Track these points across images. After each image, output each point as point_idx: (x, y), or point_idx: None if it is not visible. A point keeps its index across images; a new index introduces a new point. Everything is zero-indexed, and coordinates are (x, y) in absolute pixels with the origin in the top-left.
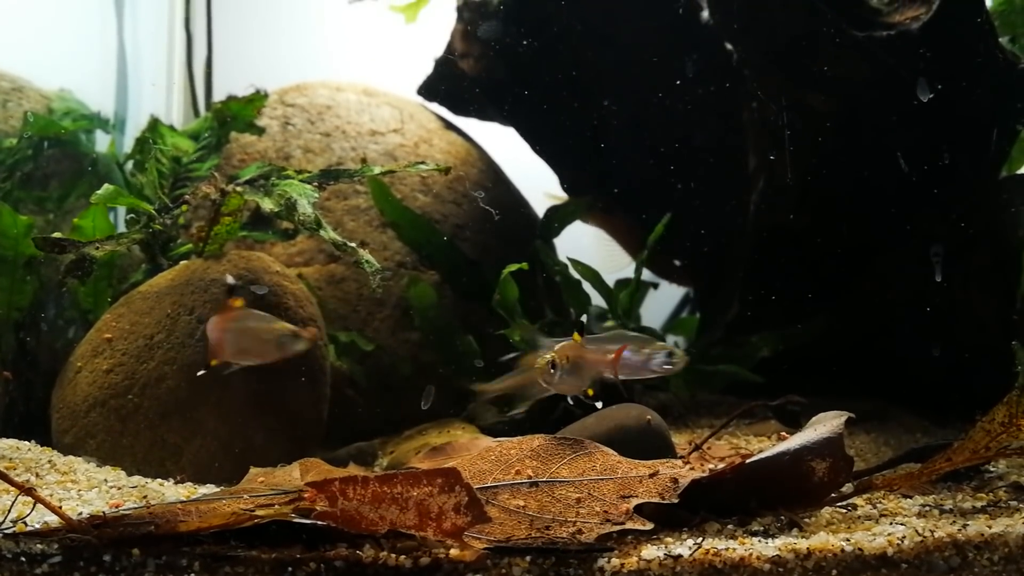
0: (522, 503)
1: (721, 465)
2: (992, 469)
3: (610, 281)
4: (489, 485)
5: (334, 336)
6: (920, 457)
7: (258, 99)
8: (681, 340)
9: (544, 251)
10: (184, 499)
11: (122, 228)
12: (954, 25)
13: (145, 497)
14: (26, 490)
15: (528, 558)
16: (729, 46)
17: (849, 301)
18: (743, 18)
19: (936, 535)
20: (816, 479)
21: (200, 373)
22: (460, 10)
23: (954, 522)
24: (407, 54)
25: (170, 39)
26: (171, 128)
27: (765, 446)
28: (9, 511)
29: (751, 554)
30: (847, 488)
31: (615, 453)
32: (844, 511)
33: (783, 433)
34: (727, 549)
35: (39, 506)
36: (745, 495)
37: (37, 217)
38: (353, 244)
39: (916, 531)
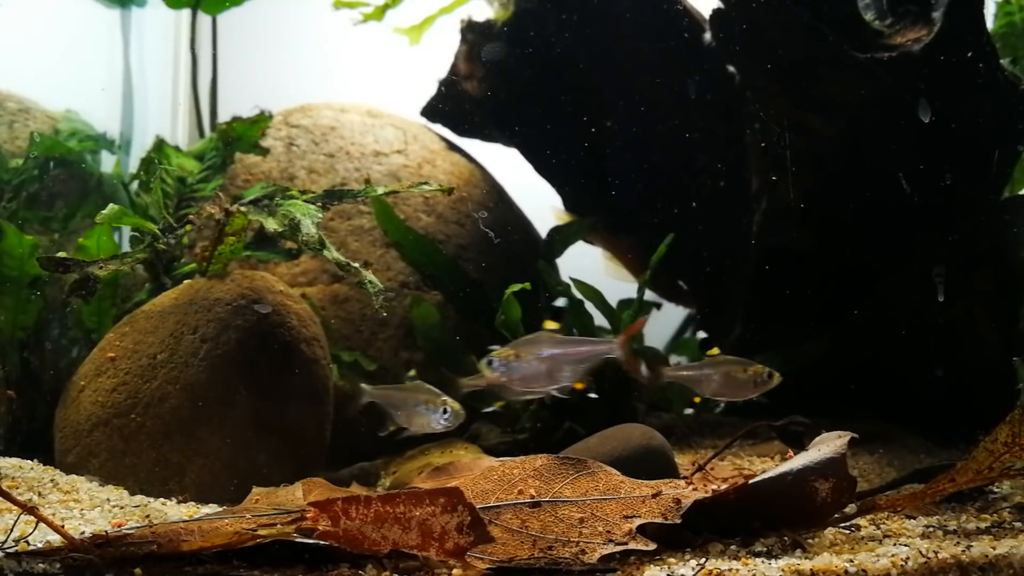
0: (525, 523)
1: (724, 485)
2: (996, 490)
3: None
4: (492, 505)
5: (337, 356)
6: (923, 478)
7: (263, 120)
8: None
9: (547, 271)
10: (187, 518)
11: (126, 248)
12: (955, 47)
13: (148, 516)
14: (28, 509)
15: None
16: (731, 68)
17: (852, 322)
18: (745, 40)
19: (940, 556)
20: (819, 500)
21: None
22: (464, 32)
23: (958, 543)
24: (411, 75)
25: (175, 60)
26: (176, 148)
27: (768, 466)
28: (11, 530)
29: (754, 575)
30: (850, 509)
31: (618, 473)
32: (847, 532)
33: (789, 453)
34: (730, 570)
35: (41, 525)
36: (748, 515)
37: (42, 237)
38: (356, 264)
39: (920, 552)
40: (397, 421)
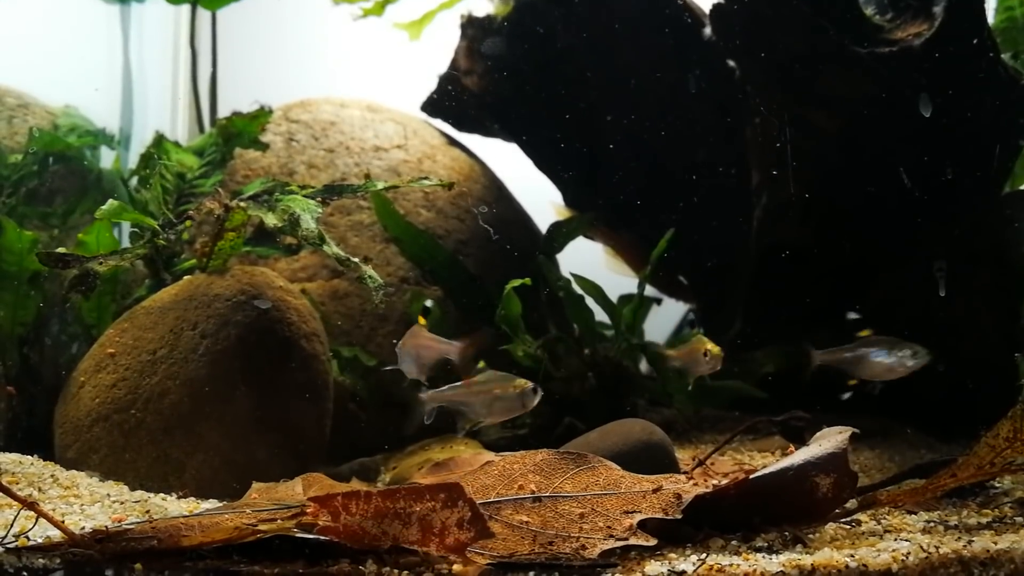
0: (525, 518)
1: (725, 481)
2: (997, 485)
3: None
4: (492, 500)
5: (337, 351)
6: (925, 473)
7: (262, 115)
8: None
9: (547, 266)
10: (187, 514)
11: (126, 243)
12: (956, 41)
13: (148, 512)
14: (29, 504)
15: (531, 574)
16: (732, 63)
17: (852, 317)
18: (745, 35)
19: (941, 551)
20: (820, 495)
21: None
22: (464, 27)
23: (959, 538)
24: (411, 71)
25: (175, 56)
26: (176, 144)
27: (769, 462)
28: (12, 525)
29: (755, 570)
30: (851, 504)
31: (619, 468)
32: (848, 527)
33: (790, 448)
34: (731, 565)
35: (42, 520)
36: (749, 511)
37: (42, 232)
38: (356, 259)
39: (921, 547)
40: (476, 416)
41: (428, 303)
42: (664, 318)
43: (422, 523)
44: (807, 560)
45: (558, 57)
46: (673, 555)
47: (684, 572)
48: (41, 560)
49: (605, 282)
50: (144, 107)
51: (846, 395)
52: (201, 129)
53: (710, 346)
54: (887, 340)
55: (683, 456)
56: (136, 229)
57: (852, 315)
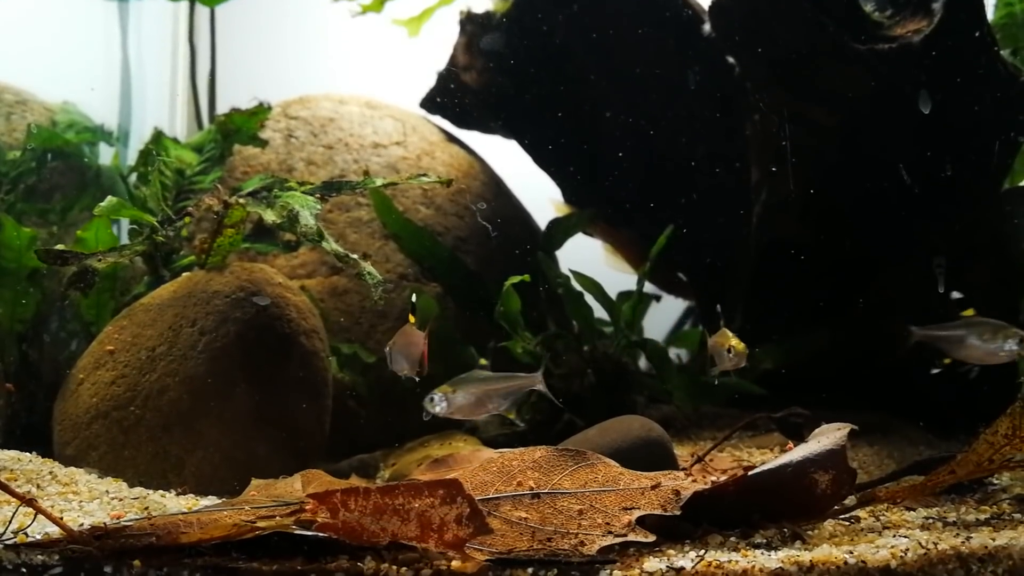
0: (524, 515)
1: (723, 477)
2: (996, 481)
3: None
4: (491, 497)
5: (336, 348)
6: (923, 469)
7: (261, 112)
8: (684, 353)
9: (546, 263)
10: (186, 511)
11: (125, 240)
12: (956, 38)
13: (146, 508)
14: (27, 501)
15: (530, 570)
16: (731, 59)
17: (852, 314)
18: (744, 31)
19: (940, 547)
20: (819, 491)
21: None
22: (463, 23)
23: (958, 534)
24: (410, 67)
25: (174, 52)
26: (175, 140)
27: (768, 458)
28: (10, 522)
29: (754, 566)
30: (850, 500)
31: (617, 465)
32: (847, 523)
33: (789, 445)
34: (730, 561)
35: (40, 517)
36: (748, 507)
37: (40, 229)
38: (355, 256)
39: (919, 543)
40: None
41: (413, 297)
42: (663, 315)
43: (421, 519)
44: (806, 556)
45: (557, 53)
46: (672, 551)
47: (683, 568)
48: (40, 556)
49: (604, 279)
50: (143, 103)
51: (935, 370)
52: (200, 125)
53: (734, 342)
54: (991, 323)
55: (682, 453)
56: (135, 226)
57: (956, 294)
